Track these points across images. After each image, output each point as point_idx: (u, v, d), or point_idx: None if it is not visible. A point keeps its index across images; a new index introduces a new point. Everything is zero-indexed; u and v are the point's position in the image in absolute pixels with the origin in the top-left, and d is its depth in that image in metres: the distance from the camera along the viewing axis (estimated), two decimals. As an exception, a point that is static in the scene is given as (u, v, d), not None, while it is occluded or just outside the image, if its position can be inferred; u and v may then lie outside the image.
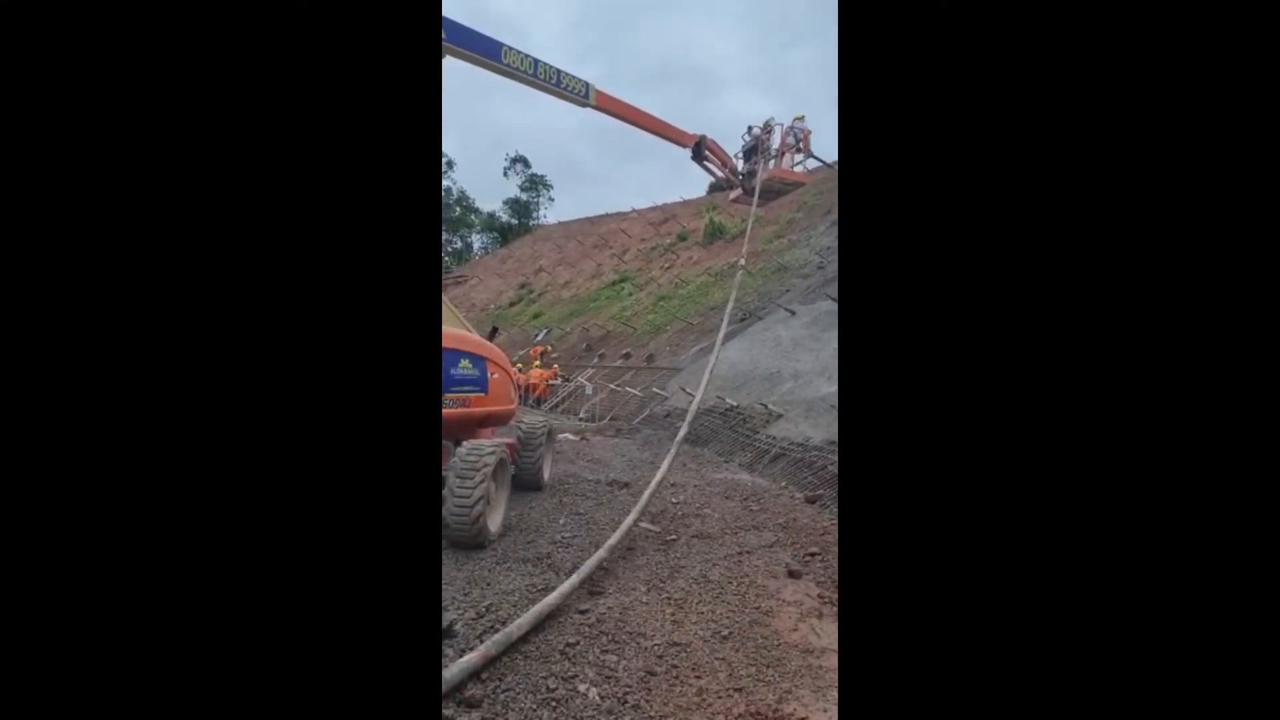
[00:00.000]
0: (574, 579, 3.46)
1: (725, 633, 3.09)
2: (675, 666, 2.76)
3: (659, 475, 5.34)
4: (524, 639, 2.87)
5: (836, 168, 14.34)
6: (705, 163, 12.22)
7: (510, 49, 9.10)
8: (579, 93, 10.00)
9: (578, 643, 2.92)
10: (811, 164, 12.96)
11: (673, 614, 3.29)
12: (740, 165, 12.61)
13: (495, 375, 5.71)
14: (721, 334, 8.29)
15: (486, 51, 8.62)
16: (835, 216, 17.38)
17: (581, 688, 2.55)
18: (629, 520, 4.45)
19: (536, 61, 9.40)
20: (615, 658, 2.82)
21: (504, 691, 2.49)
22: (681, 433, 6.32)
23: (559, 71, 9.70)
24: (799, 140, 12.24)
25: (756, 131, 12.48)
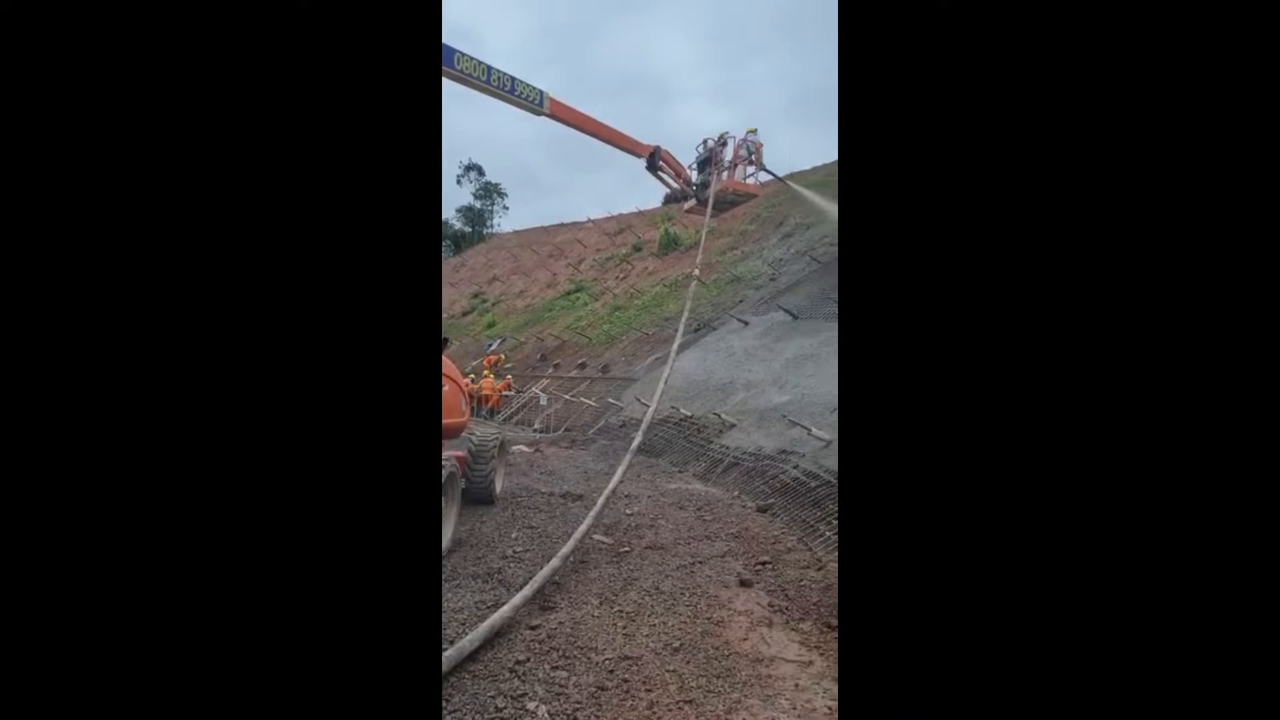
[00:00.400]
0: (524, 593, 3.40)
1: (676, 644, 3.08)
2: (626, 680, 2.73)
3: (612, 486, 5.32)
4: (472, 657, 2.80)
5: (787, 181, 14.65)
6: (660, 173, 12.36)
7: (463, 55, 9.02)
8: (533, 100, 9.98)
9: (527, 659, 2.87)
10: (764, 177, 13.23)
11: (624, 627, 3.27)
12: (694, 176, 12.79)
13: (445, 387, 5.60)
14: (676, 344, 8.33)
15: (438, 58, 8.50)
16: (786, 229, 17.73)
17: (531, 705, 2.50)
18: (580, 530, 4.41)
19: (490, 68, 9.35)
20: (565, 674, 2.78)
21: (451, 712, 2.42)
22: (635, 443, 6.32)
23: (513, 79, 9.67)
24: (751, 153, 12.50)
25: (711, 144, 12.68)
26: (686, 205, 13.63)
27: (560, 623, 3.28)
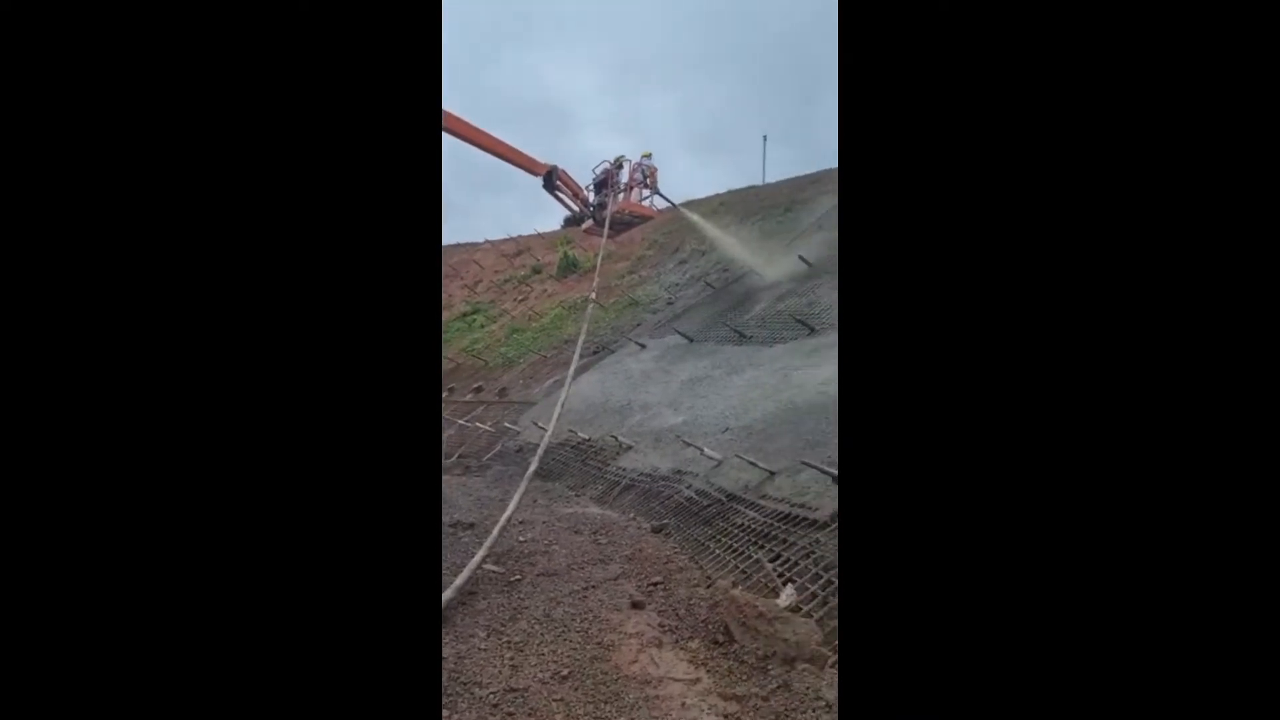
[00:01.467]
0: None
1: (565, 672, 3.03)
2: (511, 714, 2.65)
3: (507, 513, 5.18)
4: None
5: (680, 207, 15.10)
6: (557, 192, 12.40)
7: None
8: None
9: (405, 700, 2.71)
10: (660, 202, 13.57)
11: (511, 658, 3.17)
12: (591, 197, 12.92)
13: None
14: (573, 367, 8.31)
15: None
16: (682, 255, 18.21)
17: (406, 750, 2.36)
18: (473, 563, 4.26)
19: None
20: (448, 711, 2.66)
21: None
22: (532, 468, 6.20)
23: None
24: (646, 176, 12.81)
25: (607, 166, 12.87)
26: (584, 225, 13.74)
27: (444, 658, 3.13)
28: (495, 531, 4.85)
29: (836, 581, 3.54)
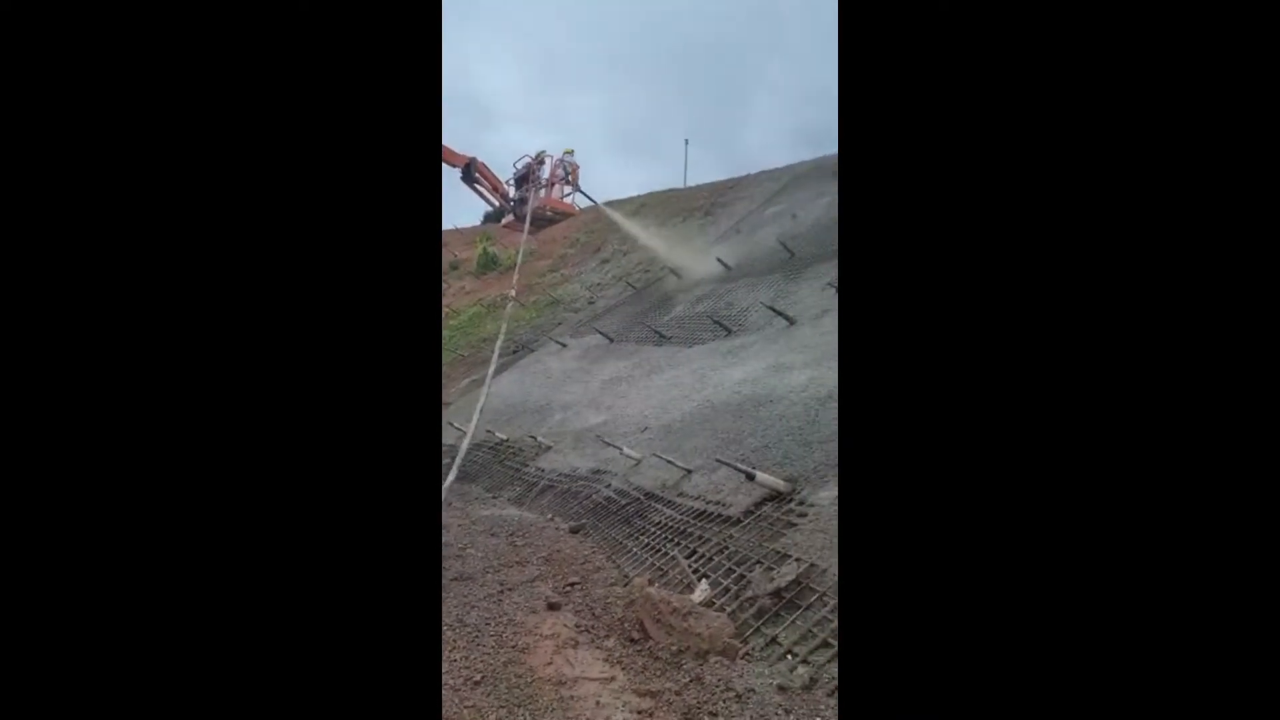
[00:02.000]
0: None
1: (477, 678, 2.97)
2: (419, 724, 2.57)
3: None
4: None
5: (602, 206, 15.11)
6: (476, 185, 12.15)
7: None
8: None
9: (305, 716, 2.58)
10: (582, 201, 13.55)
11: (422, 666, 3.08)
12: (512, 193, 12.74)
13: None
14: (493, 367, 8.16)
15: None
16: (604, 255, 18.23)
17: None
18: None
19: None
20: (351, 726, 2.54)
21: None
22: (451, 477, 6.05)
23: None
24: (568, 173, 12.76)
25: (528, 160, 12.73)
26: (504, 221, 13.56)
27: (348, 670, 3.00)
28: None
29: (747, 576, 3.65)
